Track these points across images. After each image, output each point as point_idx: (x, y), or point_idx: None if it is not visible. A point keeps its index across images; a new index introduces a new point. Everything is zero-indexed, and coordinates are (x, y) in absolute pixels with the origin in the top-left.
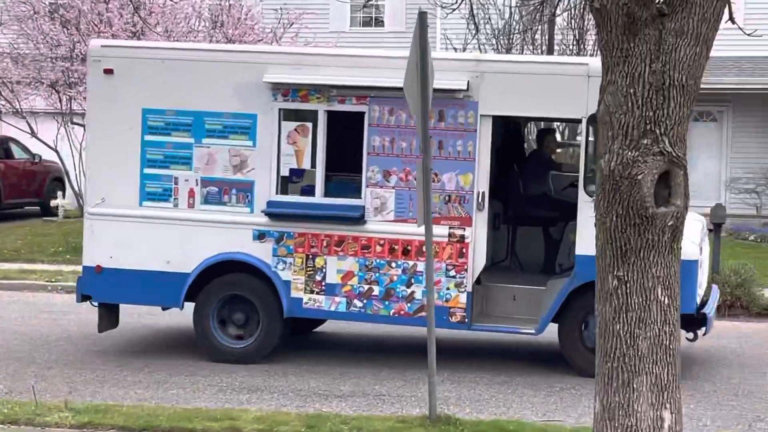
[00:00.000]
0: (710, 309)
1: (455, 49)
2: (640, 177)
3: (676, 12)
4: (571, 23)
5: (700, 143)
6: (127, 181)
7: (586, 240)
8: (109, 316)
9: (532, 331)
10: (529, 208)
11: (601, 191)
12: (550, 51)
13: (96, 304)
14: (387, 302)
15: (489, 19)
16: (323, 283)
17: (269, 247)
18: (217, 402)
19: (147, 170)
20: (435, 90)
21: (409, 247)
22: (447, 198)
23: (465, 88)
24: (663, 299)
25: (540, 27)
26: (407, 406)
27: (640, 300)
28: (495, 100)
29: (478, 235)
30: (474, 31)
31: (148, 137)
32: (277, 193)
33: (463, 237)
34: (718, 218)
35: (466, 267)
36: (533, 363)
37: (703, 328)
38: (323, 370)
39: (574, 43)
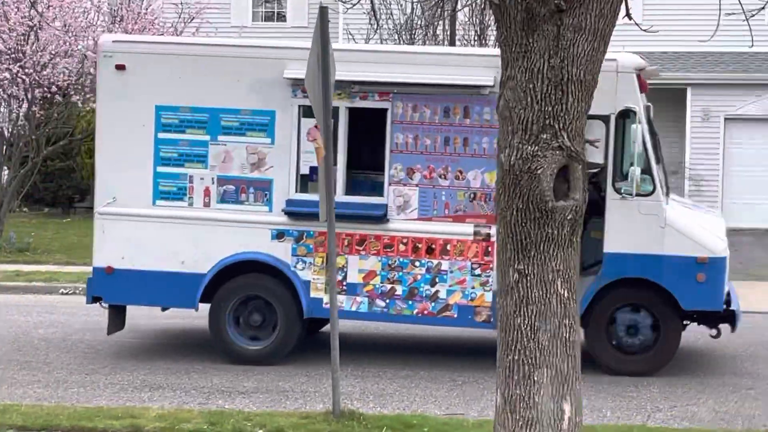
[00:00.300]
0: (737, 305)
1: (356, 43)
2: (539, 171)
3: (573, 8)
4: (472, 18)
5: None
6: (139, 179)
7: (615, 238)
8: (117, 318)
9: None
10: None
11: (501, 185)
12: (451, 45)
13: (106, 305)
14: (410, 302)
15: (391, 14)
16: (344, 283)
17: (288, 246)
18: (118, 400)
19: (160, 168)
20: (460, 86)
21: (433, 246)
22: (472, 195)
23: (492, 84)
24: (563, 292)
25: (441, 22)
26: (311, 402)
27: (541, 293)
28: None
29: None
30: (376, 26)
31: (161, 135)
32: (296, 192)
33: (488, 235)
34: None
35: (491, 266)
36: (436, 357)
37: (729, 325)
38: (226, 367)
39: (476, 38)
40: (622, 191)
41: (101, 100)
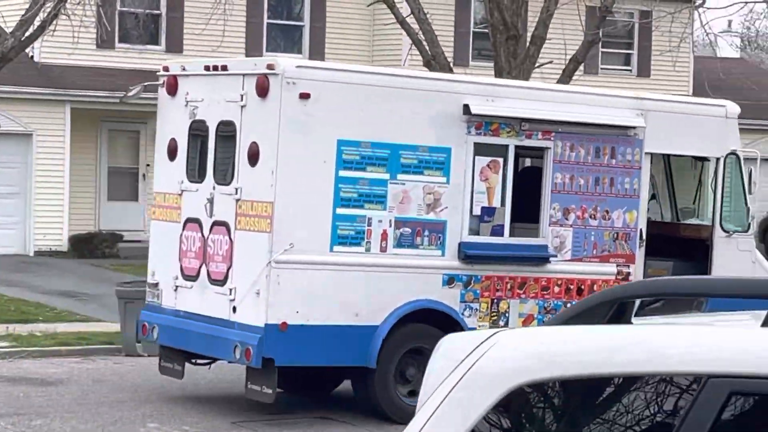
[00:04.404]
0: None
1: None
2: None
3: None
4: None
5: None
6: (317, 222)
7: (725, 273)
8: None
9: None
10: None
11: None
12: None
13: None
14: None
15: None
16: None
17: (457, 292)
18: None
19: (339, 210)
20: (610, 126)
21: (582, 287)
22: (615, 235)
23: (643, 125)
24: None
25: None
26: None
27: None
28: (654, 138)
29: (638, 271)
30: None
31: (342, 173)
32: (470, 234)
33: (628, 274)
34: None
35: None
36: None
37: None
38: None
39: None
40: (737, 229)
41: (282, 131)
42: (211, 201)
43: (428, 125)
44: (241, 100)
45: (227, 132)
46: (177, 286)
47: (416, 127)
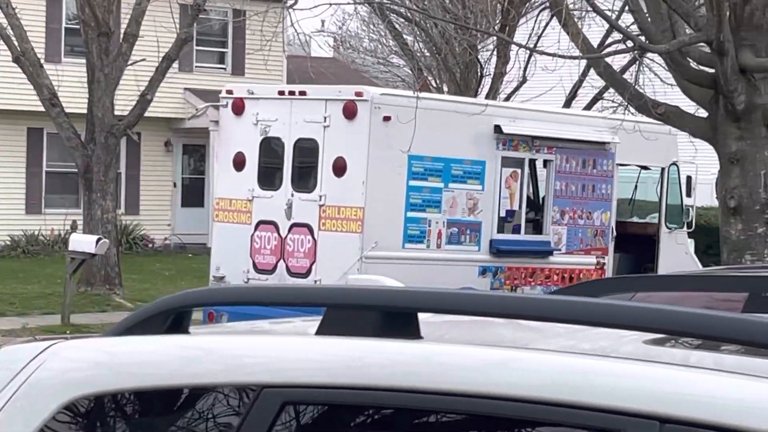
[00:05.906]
0: None
1: None
2: None
3: None
4: None
5: None
6: (394, 224)
7: (664, 264)
8: None
9: None
10: None
11: None
12: None
13: None
14: None
15: None
16: None
17: (488, 281)
18: None
19: (409, 214)
20: (595, 142)
21: (572, 276)
22: (595, 232)
23: (618, 141)
24: None
25: None
26: None
27: None
28: (620, 151)
29: (610, 262)
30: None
31: (411, 182)
32: (498, 232)
33: (603, 264)
34: None
35: None
36: None
37: None
38: None
39: None
40: (678, 226)
41: (371, 148)
42: (290, 206)
43: (469, 142)
44: (325, 121)
45: (307, 147)
46: (249, 279)
47: (461, 143)
